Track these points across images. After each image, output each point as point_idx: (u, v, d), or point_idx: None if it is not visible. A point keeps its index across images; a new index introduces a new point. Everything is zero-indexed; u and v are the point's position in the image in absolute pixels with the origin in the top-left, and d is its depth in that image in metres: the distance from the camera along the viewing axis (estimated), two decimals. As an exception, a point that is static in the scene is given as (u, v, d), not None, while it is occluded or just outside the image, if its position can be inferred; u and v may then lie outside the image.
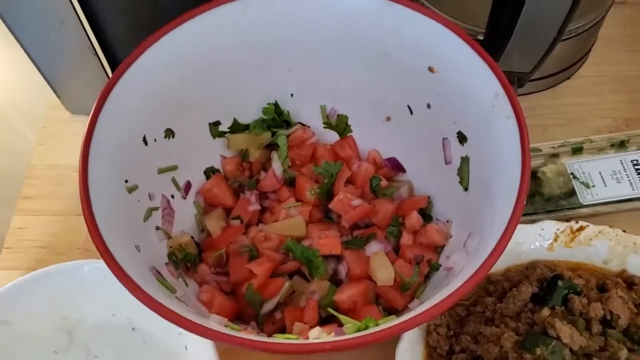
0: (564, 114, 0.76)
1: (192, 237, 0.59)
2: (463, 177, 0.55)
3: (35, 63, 0.68)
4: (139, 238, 0.49)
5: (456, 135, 0.55)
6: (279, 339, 0.45)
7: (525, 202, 0.44)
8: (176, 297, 0.48)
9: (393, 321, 0.40)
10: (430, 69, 0.55)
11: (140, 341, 0.59)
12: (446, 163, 0.57)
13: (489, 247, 0.42)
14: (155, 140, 0.55)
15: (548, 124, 0.75)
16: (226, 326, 0.45)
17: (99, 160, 0.47)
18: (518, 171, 0.45)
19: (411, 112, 0.60)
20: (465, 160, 0.55)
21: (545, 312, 0.52)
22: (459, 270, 0.47)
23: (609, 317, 0.52)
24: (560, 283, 0.54)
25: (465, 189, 0.54)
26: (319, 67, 0.60)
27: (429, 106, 0.57)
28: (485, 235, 0.45)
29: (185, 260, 0.56)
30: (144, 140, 0.54)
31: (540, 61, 0.63)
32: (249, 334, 0.42)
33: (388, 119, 0.63)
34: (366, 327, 0.42)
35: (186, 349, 0.56)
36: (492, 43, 0.63)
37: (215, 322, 0.44)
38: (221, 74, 0.58)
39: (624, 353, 0.48)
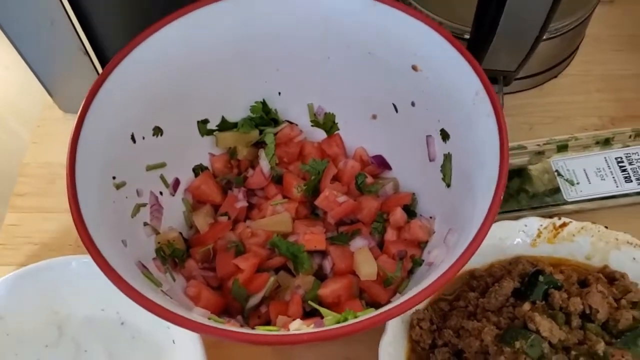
0: (550, 112, 0.76)
1: (180, 233, 0.60)
2: (446, 174, 0.56)
3: (27, 63, 0.69)
4: (126, 233, 0.50)
5: (439, 132, 0.56)
6: (260, 330, 0.46)
7: (502, 198, 0.44)
8: (162, 290, 0.49)
9: (371, 313, 0.41)
10: (414, 68, 0.56)
11: (129, 335, 0.60)
12: (430, 160, 0.58)
13: (467, 241, 0.43)
14: (143, 138, 0.56)
15: (535, 122, 0.76)
16: (209, 319, 0.46)
17: (86, 156, 0.48)
18: (496, 167, 0.46)
19: (396, 111, 0.61)
20: (447, 157, 0.56)
21: (526, 306, 0.53)
22: (439, 265, 0.48)
23: (588, 312, 0.52)
24: (541, 278, 0.55)
25: (448, 186, 0.55)
26: (305, 66, 0.61)
27: (413, 104, 0.58)
28: (465, 230, 0.46)
29: (173, 255, 0.57)
30: (132, 138, 0.55)
31: (525, 60, 0.64)
32: (230, 326, 0.42)
33: (374, 117, 0.64)
34: (345, 320, 0.43)
35: (174, 343, 0.57)
36: (477, 42, 0.64)
37: (198, 315, 0.45)
38: (208, 72, 0.59)
39: (601, 346, 0.49)
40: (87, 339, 0.60)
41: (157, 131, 0.58)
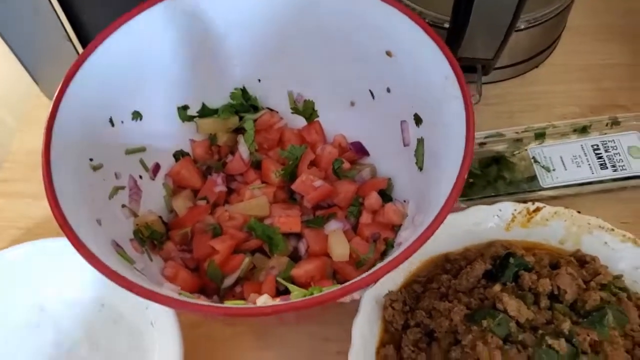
0: (531, 101, 0.77)
1: (160, 217, 0.61)
2: (419, 158, 0.57)
3: (13, 51, 0.70)
4: (101, 213, 0.51)
5: (413, 117, 0.57)
6: (227, 304, 0.47)
7: (465, 179, 0.45)
8: (135, 268, 0.50)
9: (334, 288, 0.42)
10: (389, 54, 0.57)
11: (109, 318, 0.61)
12: (404, 145, 0.59)
13: (430, 220, 0.44)
14: (122, 122, 0.57)
15: (515, 110, 0.76)
16: (180, 294, 0.47)
17: (62, 137, 0.49)
18: (462, 150, 0.47)
19: (373, 97, 0.62)
20: (420, 142, 0.57)
21: (497, 287, 0.54)
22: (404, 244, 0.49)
23: (556, 292, 0.53)
24: (511, 260, 0.55)
25: (420, 169, 0.56)
26: (283, 53, 0.62)
27: (388, 90, 0.59)
28: (430, 211, 0.47)
29: (151, 237, 0.58)
30: (111, 121, 0.56)
31: (501, 48, 0.65)
32: (197, 299, 0.43)
33: (352, 104, 0.65)
34: (311, 294, 0.44)
35: (152, 325, 0.58)
36: (455, 30, 0.65)
37: (168, 290, 0.46)
38: (187, 58, 0.60)
39: (566, 325, 0.50)
40: (67, 320, 0.61)
41: (136, 116, 0.59)
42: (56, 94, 0.50)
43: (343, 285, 0.41)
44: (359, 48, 0.59)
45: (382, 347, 0.55)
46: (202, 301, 0.43)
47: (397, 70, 0.57)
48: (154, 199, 0.62)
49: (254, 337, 0.61)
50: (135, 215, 0.58)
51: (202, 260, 0.57)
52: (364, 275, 0.41)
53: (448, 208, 0.44)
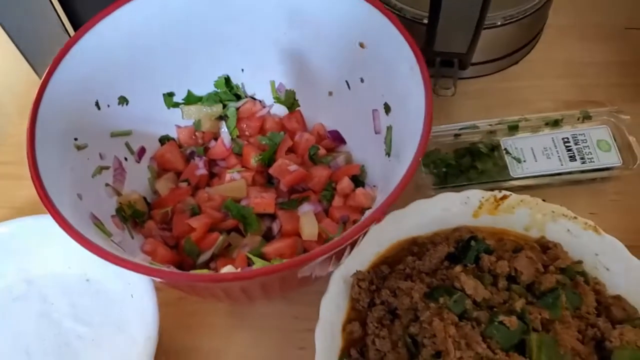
0: (508, 96, 0.80)
1: (145, 198, 0.65)
2: (387, 145, 0.60)
3: (12, 40, 0.73)
4: (82, 189, 0.54)
5: (383, 106, 0.60)
6: (190, 272, 0.50)
7: (421, 160, 0.48)
8: (112, 241, 0.53)
9: (294, 258, 0.44)
10: (361, 45, 0.60)
11: (94, 291, 0.64)
12: (375, 133, 0.62)
13: (383, 199, 0.47)
14: (108, 106, 0.61)
15: (493, 104, 0.79)
16: (150, 263, 0.50)
17: (48, 116, 0.52)
18: (420, 133, 0.49)
19: (349, 87, 0.65)
20: (389, 129, 0.59)
21: (457, 269, 0.56)
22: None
23: (514, 274, 0.56)
24: (473, 243, 0.58)
25: (388, 155, 0.59)
26: (264, 44, 0.65)
27: (362, 80, 0.62)
28: (388, 191, 0.50)
29: (133, 216, 0.61)
30: (97, 105, 0.59)
31: (473, 42, 0.68)
32: (162, 266, 0.46)
33: (330, 94, 0.68)
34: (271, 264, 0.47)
35: (132, 297, 0.61)
36: (430, 25, 0.68)
37: (140, 260, 0.49)
38: (172, 46, 0.63)
39: (519, 303, 0.52)
40: (54, 293, 0.64)
41: (123, 100, 0.62)
42: (45, 74, 0.53)
43: (301, 256, 0.44)
44: (334, 39, 0.62)
45: (349, 323, 0.58)
46: (169, 269, 0.46)
47: (369, 61, 0.60)
48: (138, 181, 0.65)
49: (227, 316, 0.64)
50: (118, 194, 0.61)
51: (181, 238, 0.60)
52: (322, 247, 0.44)
53: (400, 188, 0.46)
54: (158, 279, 0.44)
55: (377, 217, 0.45)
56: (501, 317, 0.51)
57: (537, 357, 0.50)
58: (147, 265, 0.43)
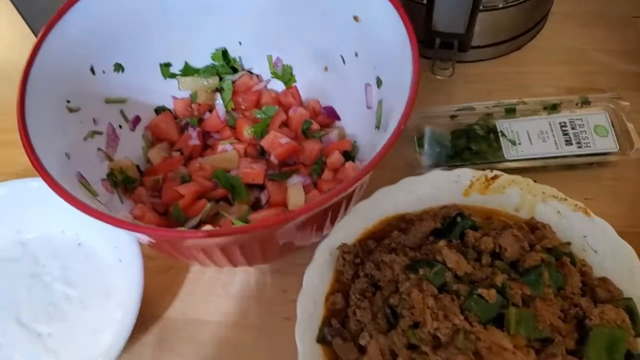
0: (510, 81, 0.79)
1: (137, 166, 0.65)
2: (377, 119, 0.60)
3: (20, 13, 0.74)
4: (71, 149, 0.55)
5: (375, 80, 0.60)
6: (167, 229, 0.50)
7: (401, 132, 0.48)
8: (98, 201, 0.54)
9: (268, 218, 0.45)
10: (355, 19, 0.60)
11: (84, 255, 0.65)
12: (368, 108, 0.62)
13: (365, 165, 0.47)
14: (103, 72, 0.62)
15: (494, 89, 0.78)
16: (133, 221, 0.50)
17: (41, 75, 0.53)
18: (403, 109, 0.49)
19: (344, 62, 0.65)
20: (380, 103, 0.59)
21: (442, 243, 0.56)
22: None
23: (498, 251, 0.56)
24: (459, 219, 0.58)
25: (377, 129, 0.59)
26: (260, 18, 0.66)
27: (356, 54, 0.62)
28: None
29: (125, 182, 0.62)
30: (92, 70, 0.60)
31: (471, 23, 0.67)
32: (139, 222, 0.47)
33: (326, 69, 0.68)
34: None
35: (120, 261, 0.62)
36: (429, 4, 0.68)
37: (121, 216, 0.50)
38: (170, 16, 0.64)
39: (500, 278, 0.52)
40: (47, 256, 0.65)
41: (118, 67, 0.63)
42: (40, 34, 0.54)
43: (277, 217, 0.44)
44: (330, 13, 0.62)
45: (332, 294, 0.58)
46: (148, 225, 0.46)
47: (363, 35, 0.60)
48: (132, 149, 0.66)
49: (212, 286, 0.64)
50: (110, 159, 0.62)
51: (170, 205, 0.61)
52: (296, 210, 0.44)
53: (382, 153, 0.46)
54: (137, 234, 0.45)
55: (357, 178, 0.45)
56: (480, 290, 0.50)
57: (515, 331, 0.49)
58: (127, 221, 0.44)
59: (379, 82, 0.59)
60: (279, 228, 0.43)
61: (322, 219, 0.52)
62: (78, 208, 0.45)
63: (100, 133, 0.61)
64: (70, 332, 0.61)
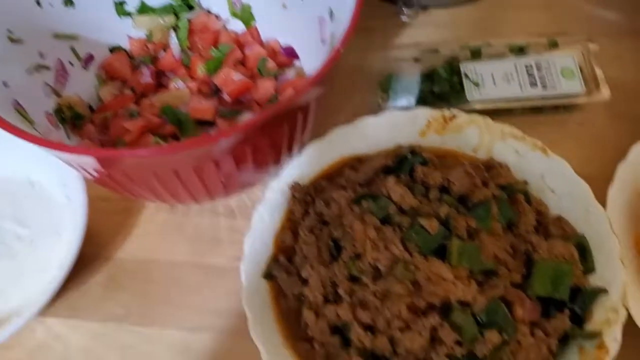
0: (480, 26, 0.77)
1: (90, 105, 0.64)
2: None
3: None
4: (10, 79, 0.53)
5: (328, 12, 0.58)
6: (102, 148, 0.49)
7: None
8: (35, 129, 0.52)
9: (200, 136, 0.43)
10: (309, -51, 0.58)
11: (36, 195, 0.64)
12: (322, 42, 0.60)
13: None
14: (51, 5, 0.60)
15: (462, 35, 0.76)
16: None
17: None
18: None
19: (301, -1, 0.63)
20: (332, 36, 0.57)
21: (391, 179, 0.55)
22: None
23: (447, 185, 0.54)
24: (409, 156, 0.56)
25: (329, 62, 0.57)
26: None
27: (312, -12, 0.60)
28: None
29: (73, 118, 0.61)
30: (38, 2, 0.58)
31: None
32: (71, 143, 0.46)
33: (284, 6, 0.66)
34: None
35: (68, 199, 0.61)
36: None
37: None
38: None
39: (444, 209, 0.51)
40: (-1, 195, 0.64)
41: (68, 2, 0.61)
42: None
43: (213, 134, 0.42)
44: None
45: (282, 233, 0.57)
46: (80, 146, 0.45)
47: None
48: (84, 87, 0.64)
49: (168, 226, 0.63)
50: (58, 95, 0.61)
51: (117, 140, 0.59)
52: (226, 128, 0.43)
53: (328, 65, 0.45)
54: (80, 169, 0.44)
55: (294, 97, 0.43)
56: (421, 221, 0.49)
57: (456, 262, 0.48)
58: (55, 142, 0.43)
59: (331, 15, 0.57)
60: (206, 147, 0.42)
61: (264, 147, 0.50)
62: (8, 130, 0.44)
63: (47, 67, 0.60)
64: (19, 271, 0.60)
